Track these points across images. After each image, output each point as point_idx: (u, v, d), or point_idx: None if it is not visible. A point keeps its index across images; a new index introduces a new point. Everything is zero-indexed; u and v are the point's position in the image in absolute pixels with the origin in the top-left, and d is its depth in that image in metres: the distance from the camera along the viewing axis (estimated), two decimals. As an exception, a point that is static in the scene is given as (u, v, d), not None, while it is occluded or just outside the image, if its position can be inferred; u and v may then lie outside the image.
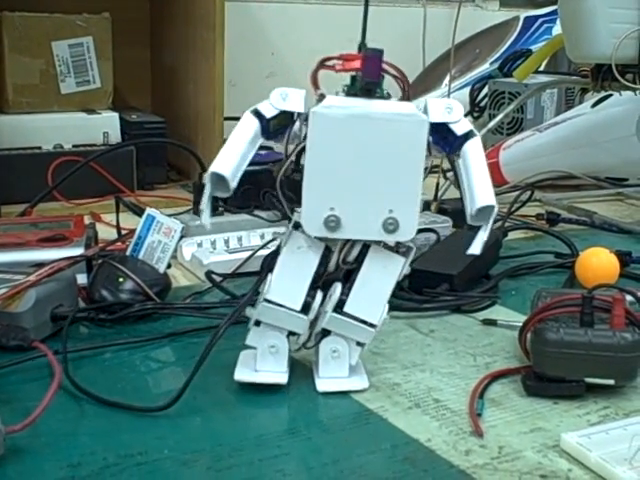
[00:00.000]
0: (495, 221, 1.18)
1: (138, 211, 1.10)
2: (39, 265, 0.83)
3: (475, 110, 1.83)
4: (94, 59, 1.43)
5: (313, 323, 0.68)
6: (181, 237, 0.92)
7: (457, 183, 0.67)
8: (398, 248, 0.68)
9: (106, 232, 1.09)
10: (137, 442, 0.60)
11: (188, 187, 1.42)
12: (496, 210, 0.64)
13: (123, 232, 1.04)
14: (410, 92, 0.66)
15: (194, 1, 1.47)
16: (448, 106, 0.65)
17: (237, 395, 0.68)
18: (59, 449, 0.59)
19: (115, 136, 1.42)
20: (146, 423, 0.63)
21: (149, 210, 0.91)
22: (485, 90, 1.82)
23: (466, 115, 1.82)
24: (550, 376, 0.69)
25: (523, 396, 0.69)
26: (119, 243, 0.97)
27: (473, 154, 0.66)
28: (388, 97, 0.65)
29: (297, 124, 0.66)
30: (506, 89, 1.75)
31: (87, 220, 1.06)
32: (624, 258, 1.03)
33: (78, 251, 0.90)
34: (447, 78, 1.80)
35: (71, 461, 0.57)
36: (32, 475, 0.56)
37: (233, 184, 0.64)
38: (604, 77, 1.20)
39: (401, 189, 0.64)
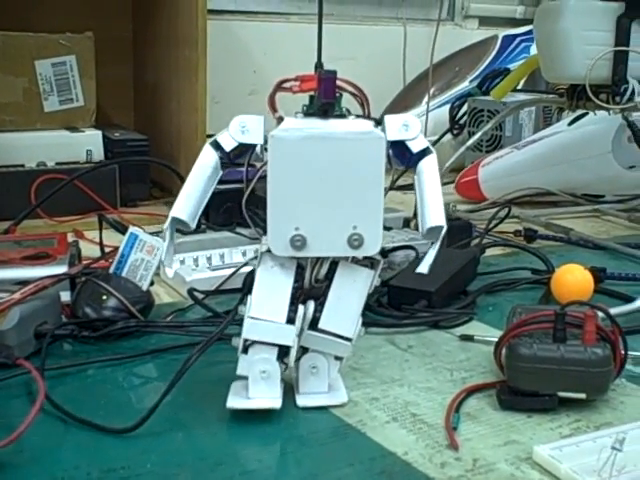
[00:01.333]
0: (473, 238, 1.22)
1: (121, 229, 1.11)
2: (23, 283, 0.84)
3: (455, 127, 1.86)
4: (77, 77, 1.45)
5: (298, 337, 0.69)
6: (164, 255, 0.93)
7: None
8: (366, 262, 0.69)
9: (89, 249, 1.10)
10: (120, 457, 0.61)
11: (170, 204, 1.42)
12: (444, 230, 0.66)
13: (106, 250, 1.05)
14: (369, 107, 0.68)
15: (177, 20, 1.49)
16: (405, 123, 0.66)
17: (218, 411, 0.69)
18: (43, 464, 0.60)
19: (98, 154, 1.43)
20: (129, 438, 0.64)
21: (132, 229, 0.92)
22: (465, 108, 1.85)
23: (446, 132, 1.86)
24: (524, 390, 0.71)
25: (498, 410, 0.71)
26: (102, 261, 0.98)
27: (427, 172, 0.67)
28: (347, 114, 0.67)
29: (258, 148, 0.67)
30: (485, 107, 1.78)
31: (70, 238, 1.07)
32: (598, 274, 1.05)
33: (62, 269, 0.91)
34: (427, 95, 1.84)
35: (55, 476, 0.58)
36: (16, 490, 0.57)
37: (193, 225, 0.66)
38: (579, 97, 1.23)
39: (363, 205, 0.65)
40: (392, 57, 2.03)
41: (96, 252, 1.07)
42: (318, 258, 0.68)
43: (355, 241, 0.66)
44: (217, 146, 0.67)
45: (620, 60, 1.16)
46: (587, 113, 1.37)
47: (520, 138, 1.75)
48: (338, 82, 0.66)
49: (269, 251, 0.67)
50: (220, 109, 1.78)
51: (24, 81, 1.40)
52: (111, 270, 0.91)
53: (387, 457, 0.63)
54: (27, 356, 0.76)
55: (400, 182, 1.68)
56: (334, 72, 0.65)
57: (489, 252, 1.20)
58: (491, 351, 0.77)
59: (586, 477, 0.58)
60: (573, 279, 0.97)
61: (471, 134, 1.74)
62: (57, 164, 1.39)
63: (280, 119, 0.66)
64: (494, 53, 1.99)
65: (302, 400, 0.71)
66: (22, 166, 1.37)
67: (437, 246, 0.67)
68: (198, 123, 1.44)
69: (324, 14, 2.04)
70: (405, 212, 1.29)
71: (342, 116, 0.66)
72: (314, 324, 0.69)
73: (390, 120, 0.67)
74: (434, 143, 1.78)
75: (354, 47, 2.04)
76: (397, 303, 0.94)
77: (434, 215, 0.66)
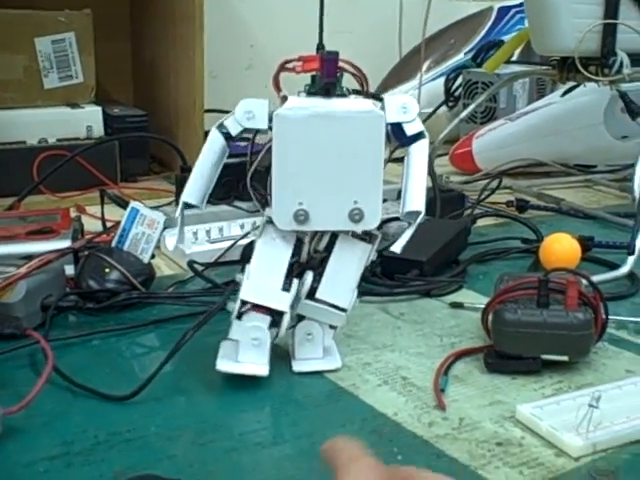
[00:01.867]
0: (466, 209, 1.25)
1: (122, 203, 1.14)
2: (28, 257, 0.87)
3: (450, 100, 1.88)
4: (76, 54, 1.47)
5: (292, 307, 0.72)
6: (164, 228, 0.96)
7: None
8: (364, 236, 0.73)
9: (91, 224, 1.13)
10: (125, 420, 0.65)
11: (170, 179, 1.46)
12: (422, 215, 0.70)
13: (108, 224, 1.08)
14: (369, 86, 0.71)
15: (173, -5, 1.50)
16: (404, 105, 0.70)
17: (219, 376, 0.72)
18: (53, 428, 0.64)
19: (98, 129, 1.46)
20: (133, 403, 0.68)
21: (133, 203, 0.95)
22: (459, 80, 1.86)
23: (441, 105, 1.88)
24: (509, 354, 0.74)
25: (484, 373, 0.75)
26: (105, 235, 1.01)
27: (416, 156, 0.71)
28: (348, 94, 0.70)
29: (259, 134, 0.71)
30: (479, 79, 1.80)
31: (73, 213, 1.10)
32: (586, 243, 1.08)
33: (65, 243, 0.94)
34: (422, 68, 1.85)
35: (65, 439, 0.62)
36: (29, 452, 0.60)
37: (203, 207, 0.71)
38: (569, 69, 1.25)
39: (364, 181, 0.69)
40: (388, 29, 2.04)
41: (98, 227, 1.10)
42: (317, 231, 0.71)
43: (356, 215, 0.69)
44: (223, 130, 0.70)
45: (609, 33, 1.18)
46: (579, 84, 1.39)
47: (514, 110, 1.77)
48: (340, 63, 0.69)
49: (271, 222, 0.70)
50: (218, 83, 1.79)
51: (24, 58, 1.42)
52: (113, 244, 0.94)
53: (378, 418, 0.67)
54: (35, 327, 0.80)
55: (397, 154, 1.72)
56: (336, 53, 0.68)
57: (481, 222, 1.23)
58: (480, 317, 0.80)
59: (565, 433, 0.62)
60: (560, 247, 1.00)
61: (466, 106, 1.76)
62: (58, 140, 1.42)
63: (284, 98, 0.69)
64: (489, 25, 2.00)
65: (298, 365, 0.74)
66: (24, 143, 1.39)
67: (413, 228, 0.70)
68: (196, 98, 1.46)
69: (319, -13, 2.05)
70: (399, 184, 1.32)
71: (343, 95, 0.69)
72: (311, 294, 0.72)
73: (390, 101, 0.70)
74: (429, 115, 1.81)
75: (350, 20, 2.05)
76: (390, 272, 0.97)
77: (415, 199, 0.70)
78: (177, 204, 1.10)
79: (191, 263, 0.98)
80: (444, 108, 1.87)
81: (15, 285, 0.81)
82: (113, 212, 1.12)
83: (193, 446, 0.62)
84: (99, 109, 1.47)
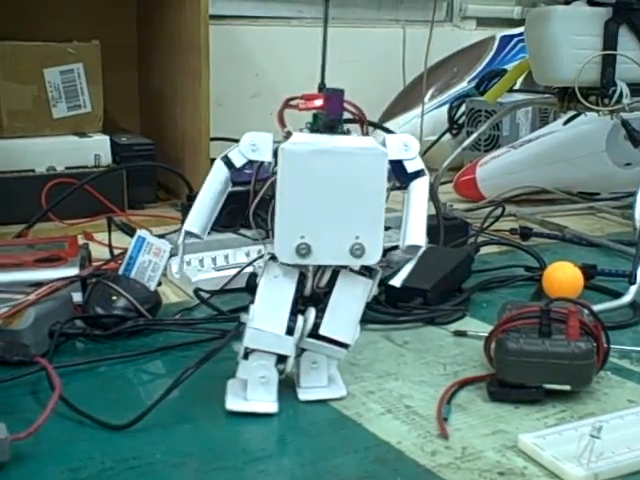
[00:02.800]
0: (469, 237, 1.26)
1: (129, 231, 1.16)
2: (37, 285, 0.88)
3: (454, 127, 1.89)
4: (84, 84, 1.49)
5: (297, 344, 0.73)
6: (170, 256, 0.97)
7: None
8: (365, 271, 0.74)
9: (99, 251, 1.14)
10: (131, 447, 0.66)
11: (177, 206, 1.47)
12: (423, 249, 0.71)
13: (115, 252, 1.09)
14: (368, 127, 0.73)
15: (180, 26, 1.53)
16: (405, 143, 0.71)
17: (224, 405, 0.73)
18: (60, 455, 0.65)
19: (106, 158, 1.47)
20: (140, 430, 0.69)
21: (140, 232, 0.96)
22: (463, 108, 1.88)
23: (445, 132, 1.90)
24: (511, 383, 0.75)
25: (487, 401, 0.75)
26: (112, 263, 1.02)
27: (417, 193, 0.73)
28: (348, 133, 0.71)
29: (266, 163, 0.71)
30: (483, 107, 1.82)
31: (80, 240, 1.11)
32: (589, 271, 1.09)
33: (73, 271, 0.95)
34: (425, 97, 1.87)
35: (71, 465, 0.63)
36: (36, 478, 0.61)
37: (204, 236, 0.71)
38: (569, 99, 1.26)
39: (366, 216, 0.70)
40: (391, 59, 2.06)
41: (105, 254, 1.11)
42: (320, 266, 0.72)
43: (357, 250, 0.70)
44: (228, 161, 0.71)
45: (608, 63, 1.20)
46: (581, 113, 1.40)
47: (517, 137, 1.78)
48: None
49: (273, 258, 0.71)
50: (224, 111, 1.82)
51: (33, 89, 1.45)
52: (120, 271, 0.95)
53: (381, 446, 0.67)
54: (43, 354, 0.80)
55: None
56: (341, 90, 0.70)
57: (485, 250, 1.24)
58: (483, 346, 0.81)
59: (567, 463, 0.62)
60: (563, 276, 1.01)
61: (469, 134, 1.78)
62: (66, 169, 1.43)
63: (288, 134, 0.70)
64: (492, 53, 2.03)
65: (303, 394, 0.75)
66: (32, 171, 1.41)
67: (413, 263, 0.72)
68: (202, 127, 1.48)
69: (322, 17, 2.08)
70: (401, 219, 1.33)
71: (345, 133, 0.71)
72: (314, 329, 0.73)
73: (391, 139, 0.71)
74: (433, 143, 1.82)
75: (354, 50, 2.07)
76: (394, 300, 0.98)
77: (415, 234, 0.71)
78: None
79: (197, 290, 0.99)
80: (448, 136, 1.89)
81: (23, 312, 0.82)
82: (120, 239, 1.13)
83: (198, 473, 0.63)
84: (107, 138, 1.49)
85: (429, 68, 1.79)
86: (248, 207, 0.73)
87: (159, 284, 0.96)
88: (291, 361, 0.72)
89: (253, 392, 0.72)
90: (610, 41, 1.19)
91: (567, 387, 0.75)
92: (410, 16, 2.13)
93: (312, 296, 0.73)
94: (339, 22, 2.08)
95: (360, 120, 0.72)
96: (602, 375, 0.80)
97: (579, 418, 0.72)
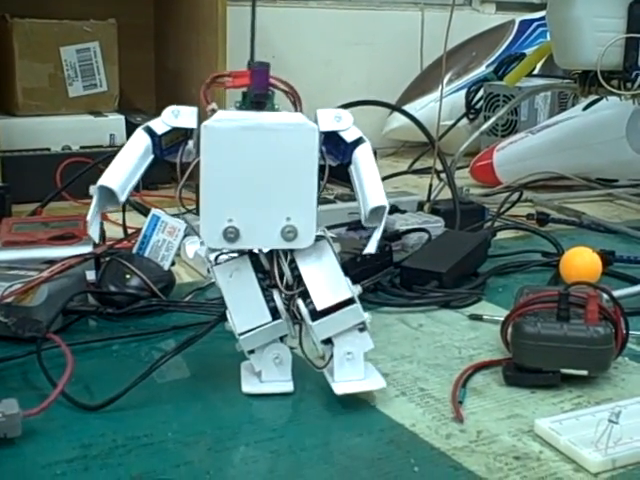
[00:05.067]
0: (486, 221, 1.25)
1: (143, 210, 1.15)
2: (50, 262, 0.88)
3: (471, 112, 1.88)
4: (101, 63, 1.49)
5: (294, 316, 0.70)
6: (184, 236, 0.96)
7: (352, 190, 0.70)
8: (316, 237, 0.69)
9: (113, 231, 1.13)
10: (143, 425, 0.65)
11: (191, 187, 1.46)
12: (387, 210, 0.66)
13: (129, 231, 1.09)
14: (301, 104, 0.68)
15: (197, 6, 1.52)
16: (337, 115, 0.68)
17: (235, 383, 0.72)
18: (71, 431, 0.64)
19: (121, 137, 1.47)
20: (151, 408, 0.68)
21: (154, 210, 0.96)
22: (481, 93, 1.86)
23: (462, 117, 1.88)
24: (528, 367, 0.74)
25: (503, 386, 0.74)
26: (126, 242, 1.02)
27: (363, 159, 0.68)
28: (277, 110, 0.68)
29: (190, 142, 0.68)
30: (501, 92, 1.80)
31: (95, 219, 1.10)
32: (607, 257, 1.07)
33: (87, 249, 0.95)
34: (443, 80, 1.85)
35: (83, 442, 0.63)
36: (47, 454, 0.61)
37: (122, 198, 0.66)
38: (591, 83, 1.25)
39: (297, 197, 0.66)
40: (409, 42, 2.05)
41: (119, 233, 1.10)
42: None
43: (289, 233, 0.66)
44: (149, 130, 0.67)
45: (631, 47, 1.18)
46: (601, 98, 1.38)
47: (535, 123, 1.76)
48: (271, 79, 0.67)
49: (217, 262, 0.68)
50: (240, 94, 1.81)
51: (50, 67, 1.45)
52: (134, 250, 0.95)
53: (395, 428, 0.66)
54: (55, 331, 0.80)
55: (417, 165, 1.72)
56: (267, 64, 0.66)
57: (501, 235, 1.23)
58: (499, 330, 0.80)
59: (583, 448, 0.61)
60: (581, 261, 1.00)
61: (487, 119, 1.76)
62: (81, 148, 1.44)
63: (213, 111, 0.66)
64: (511, 38, 2.00)
65: (340, 388, 0.69)
66: (48, 150, 1.41)
67: (381, 227, 0.67)
68: (222, 103, 1.47)
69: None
70: (419, 196, 1.32)
71: (275, 110, 0.67)
72: (314, 313, 0.69)
73: (322, 113, 0.68)
74: (450, 127, 1.81)
75: (371, 32, 2.05)
76: (409, 283, 0.97)
77: (375, 196, 0.66)
78: (197, 213, 1.11)
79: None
80: (465, 120, 1.87)
81: (37, 289, 0.82)
82: (134, 219, 1.13)
83: (210, 452, 0.62)
84: (122, 117, 1.49)
85: (447, 52, 1.77)
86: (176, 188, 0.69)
87: (173, 264, 0.96)
88: (284, 317, 0.69)
89: (268, 373, 0.71)
90: (634, 24, 1.17)
91: (584, 372, 0.73)
92: (429, -1, 2.11)
93: (287, 286, 0.69)
94: (357, 4, 2.07)
95: (294, 100, 0.68)
96: (620, 361, 0.78)
97: (596, 404, 0.71)
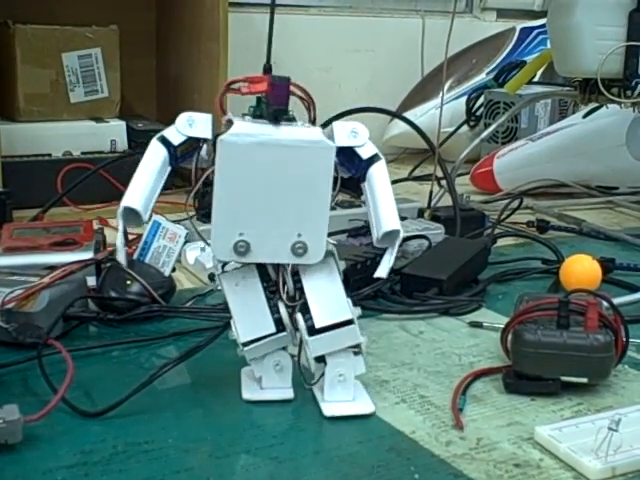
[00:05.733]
0: (486, 228, 1.25)
1: (144, 217, 1.15)
2: (51, 268, 0.88)
3: (471, 119, 1.88)
4: (102, 69, 1.49)
5: (295, 328, 0.69)
6: (185, 242, 0.97)
7: (365, 206, 0.69)
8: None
9: (114, 237, 1.13)
10: (144, 432, 0.65)
11: (195, 193, 1.47)
12: (401, 235, 0.66)
13: (130, 237, 1.09)
14: (315, 112, 0.68)
15: (199, 13, 1.52)
16: (354, 130, 0.67)
17: (236, 390, 0.72)
18: (72, 437, 0.64)
19: (122, 143, 1.47)
20: (152, 414, 0.68)
21: (155, 217, 0.96)
22: (481, 100, 1.87)
23: (462, 124, 1.89)
24: (528, 374, 0.74)
25: (503, 393, 0.74)
26: (126, 248, 1.02)
27: (378, 178, 0.68)
28: (293, 120, 0.67)
29: (204, 148, 0.67)
30: (501, 99, 1.80)
31: (95, 225, 1.11)
32: (607, 265, 1.07)
33: (88, 255, 0.95)
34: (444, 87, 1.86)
35: (83, 448, 0.63)
36: (47, 460, 0.61)
37: (145, 216, 0.65)
38: (591, 90, 1.25)
39: (309, 213, 0.66)
40: (410, 49, 2.05)
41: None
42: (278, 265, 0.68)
43: (299, 249, 0.66)
44: (164, 141, 0.67)
45: (632, 54, 1.19)
46: (602, 106, 1.39)
47: (536, 130, 1.77)
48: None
49: (223, 270, 0.68)
50: (241, 100, 1.81)
51: (51, 73, 1.45)
52: (135, 256, 0.95)
53: (395, 435, 0.67)
54: (56, 337, 0.80)
55: (417, 172, 1.73)
56: (287, 79, 0.65)
57: (501, 242, 1.23)
58: (499, 337, 0.80)
59: (583, 456, 0.61)
60: (581, 268, 1.00)
61: (487, 126, 1.76)
62: (82, 153, 1.44)
63: (229, 122, 0.66)
64: (511, 45, 2.01)
65: (329, 409, 0.69)
66: (49, 155, 1.42)
67: (394, 250, 0.67)
68: (219, 115, 1.47)
69: (342, 6, 2.07)
70: (420, 202, 1.32)
71: (291, 120, 0.67)
72: (312, 329, 0.68)
73: (339, 127, 0.67)
74: (450, 134, 1.81)
75: (372, 39, 2.06)
76: (409, 290, 0.97)
77: (389, 219, 0.67)
78: (197, 218, 1.12)
79: (211, 276, 0.99)
80: (465, 127, 1.88)
81: (37, 295, 0.82)
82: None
83: (210, 459, 0.62)
84: (123, 123, 1.49)
85: (448, 59, 1.78)
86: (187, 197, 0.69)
87: (173, 270, 0.96)
88: (289, 330, 0.69)
89: (268, 380, 0.71)
90: (634, 32, 1.18)
91: (584, 380, 0.74)
92: (430, 6, 2.11)
93: (290, 299, 0.69)
94: (357, 11, 2.07)
95: (308, 105, 0.68)
96: (620, 369, 0.78)
97: (596, 411, 0.71)
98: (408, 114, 1.81)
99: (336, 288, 0.69)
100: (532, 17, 2.17)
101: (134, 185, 0.66)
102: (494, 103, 1.82)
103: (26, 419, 0.62)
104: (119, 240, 0.67)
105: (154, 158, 0.67)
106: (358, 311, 0.70)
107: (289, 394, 0.71)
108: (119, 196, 1.31)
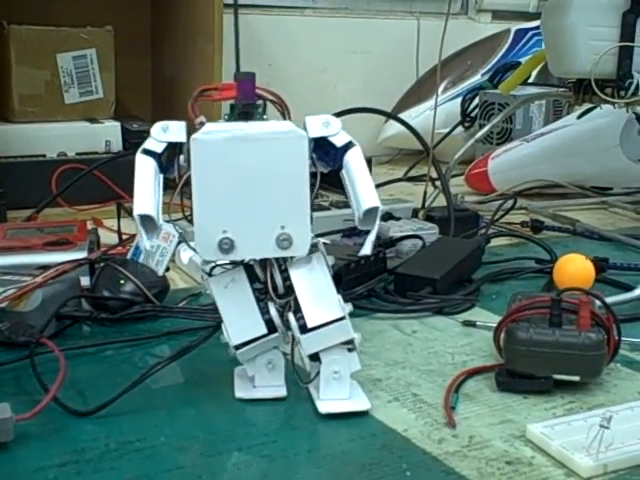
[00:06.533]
0: (480, 228, 1.25)
1: (138, 217, 1.15)
2: (45, 267, 0.88)
3: (466, 120, 1.88)
4: (97, 70, 1.49)
5: (287, 327, 0.70)
6: (179, 242, 0.97)
7: (345, 195, 0.69)
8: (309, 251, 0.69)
9: (108, 237, 1.14)
10: (136, 430, 0.65)
11: (186, 194, 1.47)
12: (380, 210, 0.66)
13: (124, 237, 1.09)
14: (289, 113, 0.68)
15: (194, 14, 1.53)
16: (325, 121, 0.68)
17: (229, 388, 0.72)
18: (64, 436, 0.64)
19: (117, 144, 1.48)
20: (144, 413, 0.68)
21: (149, 216, 0.96)
22: (476, 101, 1.87)
23: (457, 125, 1.89)
24: (520, 373, 0.74)
25: (495, 391, 0.74)
26: (120, 247, 1.02)
27: (354, 162, 0.68)
28: (265, 119, 0.68)
29: (182, 155, 0.67)
30: (496, 100, 1.81)
31: (90, 225, 1.11)
32: (600, 264, 1.07)
33: (81, 255, 0.95)
34: (439, 89, 1.86)
35: (75, 446, 0.63)
36: (39, 458, 0.61)
37: (160, 220, 0.65)
38: (585, 91, 1.25)
39: (290, 204, 0.66)
40: (405, 50, 2.05)
41: (114, 240, 1.11)
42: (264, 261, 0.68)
43: (284, 241, 0.66)
44: (147, 152, 0.67)
45: (625, 55, 1.19)
46: (596, 106, 1.39)
47: (530, 131, 1.77)
48: (258, 90, 0.67)
49: (210, 274, 0.68)
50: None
51: (46, 74, 1.45)
52: (128, 256, 0.95)
53: (388, 433, 0.67)
54: (49, 336, 0.80)
55: (412, 173, 1.73)
56: (252, 74, 0.66)
57: (496, 242, 1.23)
58: (492, 336, 0.80)
59: (575, 453, 0.61)
60: (574, 268, 1.00)
61: (482, 127, 1.76)
62: (77, 154, 1.44)
63: (201, 124, 0.66)
64: (506, 47, 2.01)
65: (324, 407, 0.69)
66: (43, 156, 1.42)
67: (375, 227, 0.66)
68: (214, 116, 1.47)
69: (338, 8, 2.07)
70: (414, 203, 1.33)
71: (262, 119, 0.67)
72: (304, 327, 0.68)
73: (311, 120, 0.68)
74: (445, 135, 1.81)
75: (367, 40, 2.06)
76: (403, 290, 0.97)
77: (367, 198, 0.66)
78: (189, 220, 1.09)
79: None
80: (460, 128, 1.88)
81: (30, 294, 0.82)
82: (129, 226, 1.12)
83: (202, 457, 0.62)
84: (118, 124, 1.49)
85: (443, 60, 1.78)
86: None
87: (167, 269, 0.96)
88: (280, 331, 0.70)
89: (261, 378, 0.71)
90: (627, 33, 1.18)
91: (576, 378, 0.74)
92: (425, 8, 2.12)
93: (278, 296, 0.69)
94: (353, 12, 2.08)
95: (281, 109, 0.68)
96: (612, 367, 0.79)
97: (588, 409, 0.71)
98: (403, 115, 1.81)
99: (325, 285, 0.69)
100: (527, 19, 2.18)
101: (139, 194, 0.65)
102: (489, 104, 1.83)
103: (18, 418, 0.62)
104: (147, 248, 0.66)
105: (145, 168, 0.67)
106: (349, 307, 0.70)
107: (282, 392, 0.71)
108: (113, 197, 1.33)
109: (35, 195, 1.27)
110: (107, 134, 1.47)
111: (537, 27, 2.04)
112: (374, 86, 2.04)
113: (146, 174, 0.66)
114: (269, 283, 0.69)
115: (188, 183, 0.67)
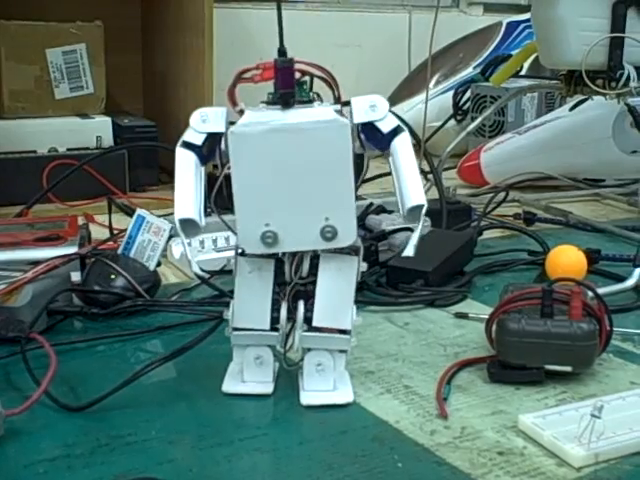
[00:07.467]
0: (472, 221, 1.25)
1: (129, 212, 1.15)
2: (35, 263, 0.88)
3: (458, 113, 1.88)
4: (87, 65, 1.48)
5: (290, 333, 0.69)
6: (170, 237, 0.96)
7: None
8: (348, 249, 0.67)
9: (99, 232, 1.13)
10: (127, 424, 0.65)
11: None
12: (425, 208, 0.64)
13: (115, 232, 1.09)
14: (339, 90, 0.65)
15: (184, 8, 1.52)
16: (372, 104, 0.65)
17: (220, 383, 0.72)
18: (55, 430, 0.64)
19: (108, 140, 1.47)
20: (135, 407, 0.68)
21: (139, 211, 0.96)
22: (468, 94, 1.87)
23: (449, 118, 1.88)
24: (512, 364, 0.74)
25: (487, 382, 0.74)
26: (111, 242, 1.02)
27: (402, 151, 0.66)
28: (316, 99, 0.65)
29: (223, 144, 0.65)
30: (488, 93, 1.80)
31: (81, 221, 1.10)
32: (593, 256, 1.07)
33: (72, 250, 0.94)
34: (431, 82, 1.86)
35: (66, 441, 0.62)
36: (30, 453, 0.60)
37: (202, 222, 0.64)
38: (576, 82, 1.25)
39: (334, 195, 0.64)
40: (397, 44, 2.05)
41: (105, 235, 1.10)
42: (296, 253, 0.66)
43: (328, 233, 0.64)
44: (187, 145, 0.65)
45: (616, 46, 1.19)
46: (587, 98, 1.39)
47: (522, 123, 1.77)
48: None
49: (243, 254, 0.67)
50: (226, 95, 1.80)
51: (36, 69, 1.44)
52: (119, 251, 0.94)
53: (379, 425, 0.66)
54: (40, 332, 0.80)
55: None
56: (290, 60, 0.64)
57: (488, 234, 1.23)
58: (484, 327, 0.80)
59: (567, 443, 0.61)
60: (566, 259, 1.00)
61: (474, 119, 1.76)
62: (68, 150, 1.43)
63: (241, 112, 0.64)
64: (498, 39, 2.01)
65: (307, 398, 0.69)
66: (34, 152, 1.41)
67: (420, 226, 0.65)
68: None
69: (329, 2, 2.07)
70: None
71: (307, 102, 0.65)
72: (308, 322, 0.68)
73: (357, 102, 0.65)
74: (438, 128, 1.81)
75: (359, 34, 2.06)
76: (395, 282, 0.97)
77: (414, 194, 0.64)
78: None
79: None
80: (452, 121, 1.88)
81: (21, 289, 0.81)
82: (121, 221, 1.12)
83: (193, 450, 0.62)
84: (109, 120, 1.48)
85: (434, 54, 1.77)
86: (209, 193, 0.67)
87: (158, 264, 0.95)
88: (285, 349, 0.70)
89: (249, 373, 0.71)
90: (618, 23, 1.18)
91: (568, 368, 0.74)
92: (416, 1, 2.12)
93: (297, 292, 0.68)
94: (344, 6, 2.07)
95: (330, 84, 0.65)
96: (604, 357, 0.79)
97: (580, 399, 0.71)
98: (395, 108, 1.80)
99: (347, 293, 0.68)
100: (519, 11, 2.17)
101: (180, 196, 0.64)
102: (481, 97, 1.83)
103: (8, 412, 0.62)
104: (188, 254, 0.66)
105: (186, 164, 0.65)
106: (360, 320, 0.69)
107: (268, 389, 0.71)
108: (105, 192, 1.33)
109: (26, 191, 1.27)
110: (98, 129, 1.46)
111: (529, 19, 2.03)
112: (366, 80, 2.03)
113: (187, 171, 0.65)
114: (289, 269, 0.67)
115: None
